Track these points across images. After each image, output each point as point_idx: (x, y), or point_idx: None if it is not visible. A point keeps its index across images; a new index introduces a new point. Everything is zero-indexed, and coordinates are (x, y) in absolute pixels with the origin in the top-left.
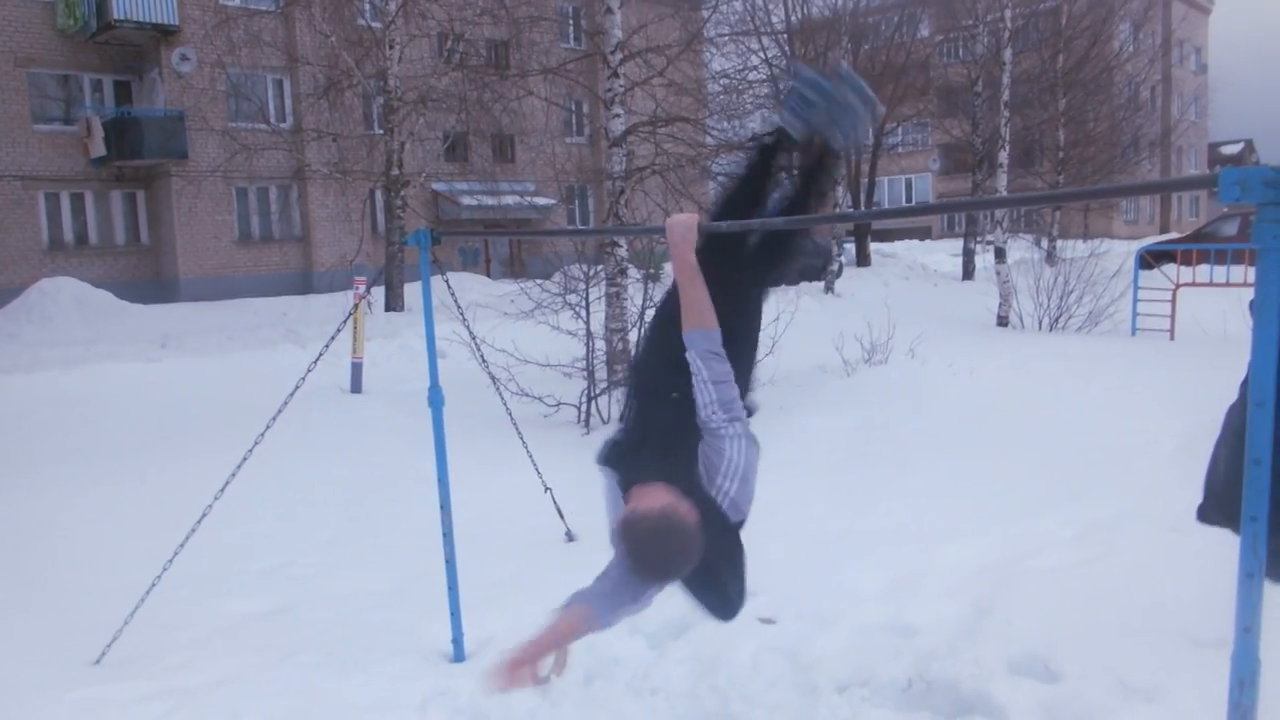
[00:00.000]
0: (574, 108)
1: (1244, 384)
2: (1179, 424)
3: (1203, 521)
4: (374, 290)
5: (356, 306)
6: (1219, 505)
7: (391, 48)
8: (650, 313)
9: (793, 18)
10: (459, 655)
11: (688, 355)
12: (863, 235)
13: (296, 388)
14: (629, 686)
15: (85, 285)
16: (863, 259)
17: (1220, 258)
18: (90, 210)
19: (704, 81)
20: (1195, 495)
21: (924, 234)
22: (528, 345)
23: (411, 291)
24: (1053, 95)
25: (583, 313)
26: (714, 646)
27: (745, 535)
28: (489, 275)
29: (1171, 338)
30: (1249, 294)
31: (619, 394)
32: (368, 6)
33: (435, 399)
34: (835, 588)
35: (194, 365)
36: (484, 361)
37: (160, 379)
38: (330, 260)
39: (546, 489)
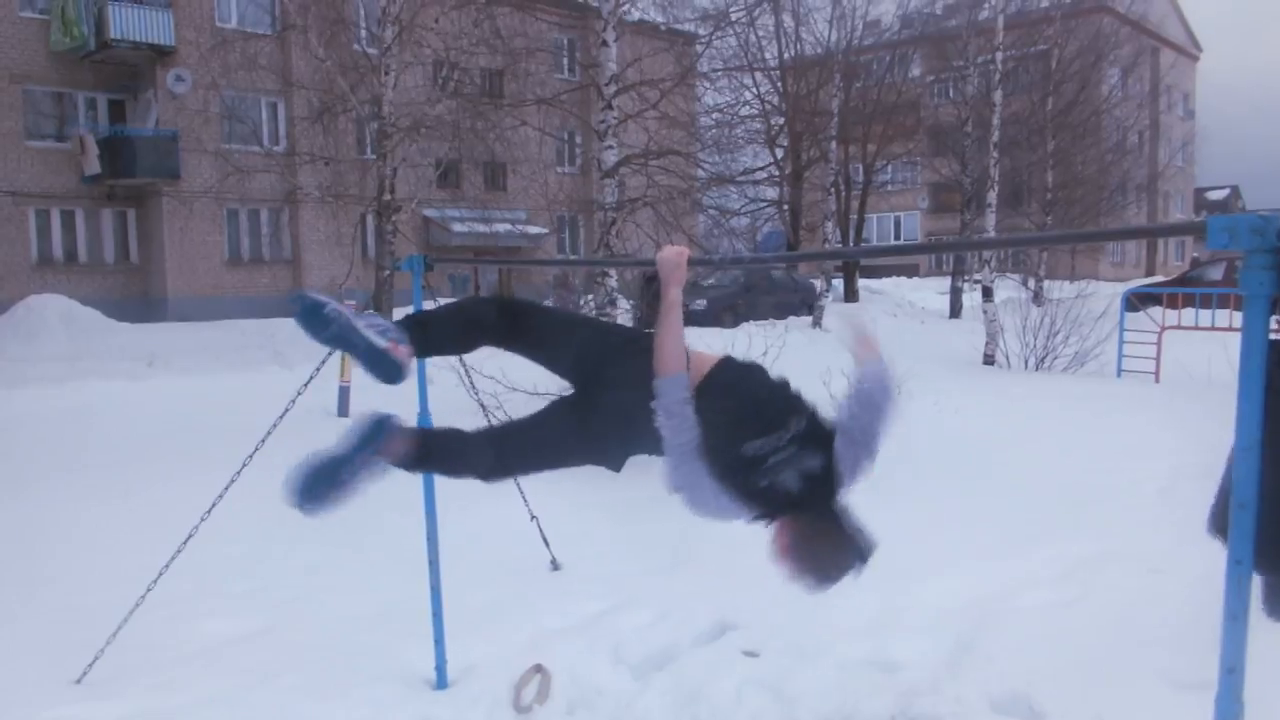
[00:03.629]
0: (567, 138)
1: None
2: (1162, 466)
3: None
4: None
5: None
6: (1222, 517)
7: (387, 74)
8: None
9: (785, 55)
10: (441, 682)
11: (655, 406)
12: (851, 272)
13: (287, 410)
14: (611, 717)
15: (73, 302)
16: (850, 295)
17: (1206, 301)
18: (80, 228)
19: (696, 115)
20: (1177, 537)
21: (912, 271)
22: (515, 373)
23: (400, 316)
24: (1042, 137)
25: None
26: (697, 679)
27: (733, 566)
28: None
29: (1157, 380)
30: (1234, 341)
31: None
32: (364, 33)
33: (424, 426)
34: (818, 622)
35: (180, 385)
36: (473, 389)
37: (146, 397)
38: (320, 283)
39: (533, 517)
